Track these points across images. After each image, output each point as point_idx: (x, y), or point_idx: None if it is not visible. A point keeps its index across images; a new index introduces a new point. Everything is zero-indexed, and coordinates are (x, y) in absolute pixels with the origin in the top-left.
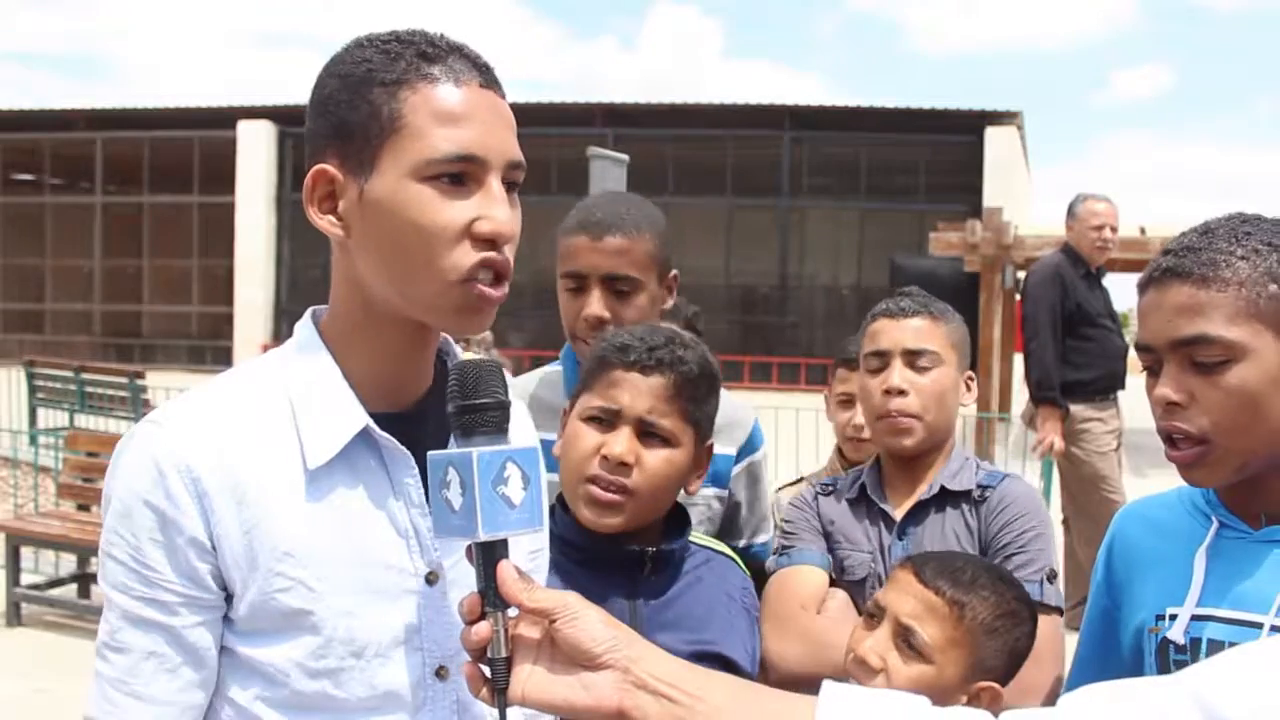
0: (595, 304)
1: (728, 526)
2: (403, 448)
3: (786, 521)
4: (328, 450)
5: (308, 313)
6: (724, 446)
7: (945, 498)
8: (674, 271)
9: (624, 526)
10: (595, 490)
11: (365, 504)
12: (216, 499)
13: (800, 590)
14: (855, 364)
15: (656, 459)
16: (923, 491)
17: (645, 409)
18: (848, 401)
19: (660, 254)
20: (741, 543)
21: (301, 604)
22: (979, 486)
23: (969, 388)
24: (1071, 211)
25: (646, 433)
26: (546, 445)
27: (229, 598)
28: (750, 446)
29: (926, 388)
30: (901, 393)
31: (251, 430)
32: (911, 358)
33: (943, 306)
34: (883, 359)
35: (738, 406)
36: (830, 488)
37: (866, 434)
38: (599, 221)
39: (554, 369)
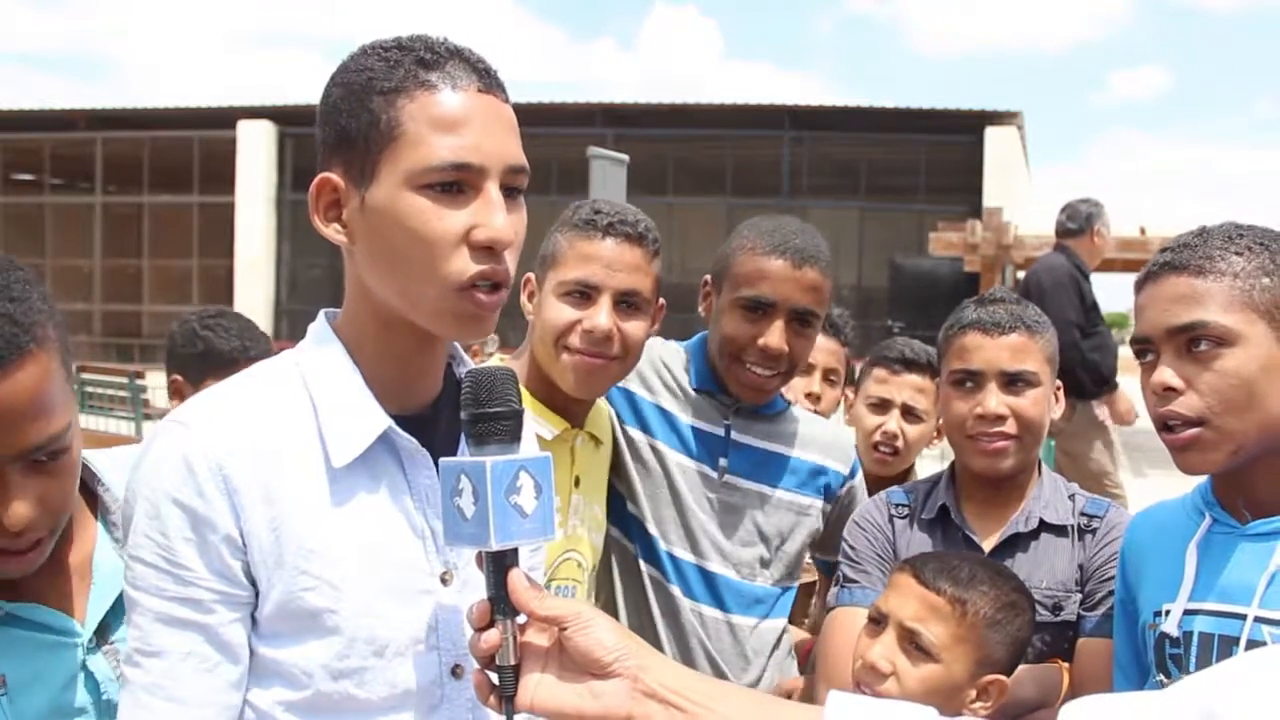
0: (776, 335)
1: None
2: (423, 449)
3: (851, 547)
4: (352, 450)
5: (321, 314)
6: (837, 463)
7: (1041, 528)
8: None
9: None
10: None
11: (384, 504)
12: (246, 496)
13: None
14: (895, 367)
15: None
16: (1018, 523)
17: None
18: (880, 406)
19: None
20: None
21: (325, 603)
22: (1084, 515)
23: (1058, 399)
24: (1090, 219)
25: None
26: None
27: (256, 595)
28: (854, 469)
29: (1025, 410)
30: (999, 418)
31: (276, 429)
32: (1007, 379)
33: (1035, 315)
34: (975, 379)
35: (841, 428)
36: (905, 508)
37: (899, 443)
38: (800, 249)
39: (677, 349)
